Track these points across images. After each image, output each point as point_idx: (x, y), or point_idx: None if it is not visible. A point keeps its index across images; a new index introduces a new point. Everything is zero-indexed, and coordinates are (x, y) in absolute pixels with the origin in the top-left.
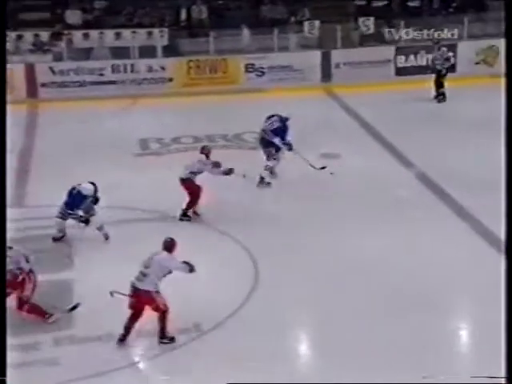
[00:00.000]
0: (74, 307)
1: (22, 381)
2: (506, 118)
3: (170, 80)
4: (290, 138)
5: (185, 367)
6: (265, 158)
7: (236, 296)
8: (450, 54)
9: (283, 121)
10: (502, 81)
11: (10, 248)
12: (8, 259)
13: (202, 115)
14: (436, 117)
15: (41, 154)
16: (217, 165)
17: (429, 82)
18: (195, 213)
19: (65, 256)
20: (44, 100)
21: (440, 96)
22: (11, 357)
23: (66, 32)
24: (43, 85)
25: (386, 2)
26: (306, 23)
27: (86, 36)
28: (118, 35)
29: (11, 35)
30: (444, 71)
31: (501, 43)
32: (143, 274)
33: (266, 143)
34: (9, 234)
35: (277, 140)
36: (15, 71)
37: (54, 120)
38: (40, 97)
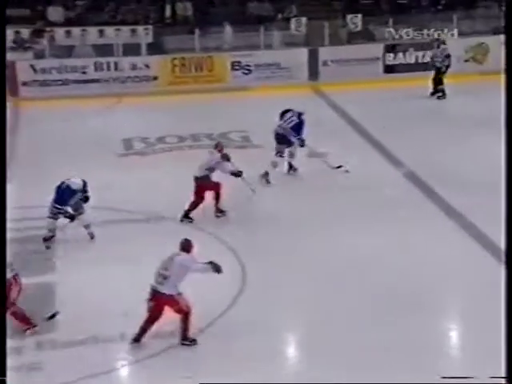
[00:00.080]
0: (53, 315)
1: None
2: (506, 116)
3: (155, 78)
4: (304, 134)
5: (170, 371)
6: (275, 153)
7: (224, 298)
8: (450, 51)
9: (299, 116)
10: (492, 78)
11: None
12: None
13: (187, 114)
14: (425, 115)
15: (21, 154)
16: (228, 161)
17: (417, 80)
18: (220, 211)
19: (48, 258)
20: (25, 99)
21: (439, 93)
22: None
23: (47, 29)
24: (24, 83)
25: None
26: (293, 20)
27: (68, 33)
28: (101, 32)
29: None
30: (444, 68)
31: (490, 40)
32: (163, 277)
33: (282, 140)
34: None
35: (292, 136)
36: None
37: (35, 119)
38: (21, 95)
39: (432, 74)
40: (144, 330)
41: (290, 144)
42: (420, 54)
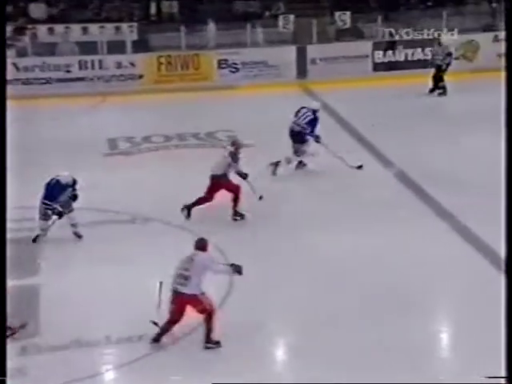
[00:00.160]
0: (23, 326)
1: None
2: (506, 115)
3: (140, 77)
4: (318, 130)
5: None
6: (293, 151)
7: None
8: (452, 49)
9: (314, 112)
10: (483, 76)
11: None
12: None
13: (173, 113)
14: (415, 112)
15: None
16: (237, 161)
17: (407, 78)
18: (239, 214)
19: (34, 259)
20: (8, 98)
21: (440, 89)
22: None
23: (29, 26)
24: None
25: None
26: (281, 17)
27: (51, 31)
28: (84, 30)
29: None
30: (444, 66)
31: (480, 38)
32: (185, 278)
33: (297, 138)
34: None
35: (307, 132)
36: None
37: (18, 119)
38: None
39: (432, 71)
40: (165, 330)
41: (304, 141)
42: (410, 51)
